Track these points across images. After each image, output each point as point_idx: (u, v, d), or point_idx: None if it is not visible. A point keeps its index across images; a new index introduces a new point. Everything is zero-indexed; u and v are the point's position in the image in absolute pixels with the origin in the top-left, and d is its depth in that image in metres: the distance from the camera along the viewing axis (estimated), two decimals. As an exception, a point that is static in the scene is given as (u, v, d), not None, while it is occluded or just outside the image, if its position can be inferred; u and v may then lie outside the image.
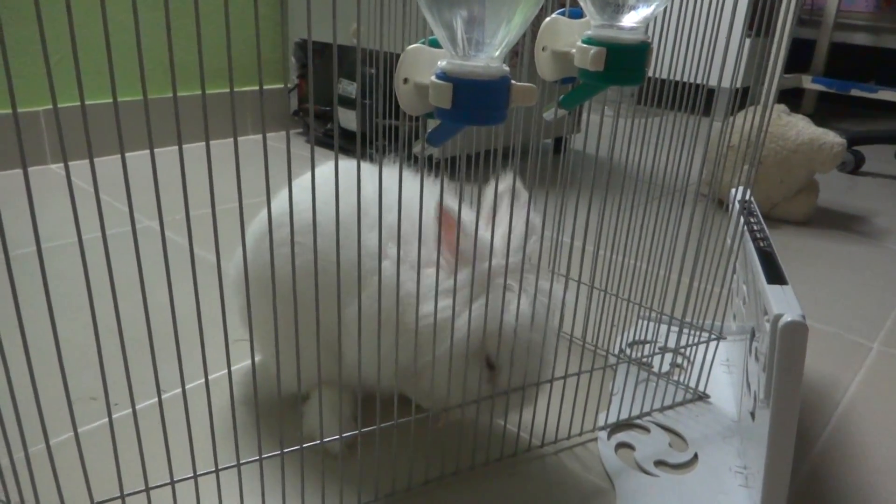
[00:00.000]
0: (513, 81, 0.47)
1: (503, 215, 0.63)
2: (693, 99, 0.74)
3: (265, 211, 0.55)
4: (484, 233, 0.63)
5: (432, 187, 0.66)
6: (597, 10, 0.52)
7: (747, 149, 0.86)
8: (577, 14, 0.57)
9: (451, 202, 0.59)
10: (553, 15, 0.57)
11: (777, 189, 1.52)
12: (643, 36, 0.53)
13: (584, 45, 0.52)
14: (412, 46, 0.49)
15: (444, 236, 0.61)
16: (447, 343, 0.61)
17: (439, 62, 0.47)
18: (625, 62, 0.52)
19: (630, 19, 0.51)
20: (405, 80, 0.49)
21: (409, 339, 0.62)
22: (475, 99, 0.45)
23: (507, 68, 0.47)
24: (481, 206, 0.66)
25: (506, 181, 0.63)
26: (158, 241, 0.46)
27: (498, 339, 0.62)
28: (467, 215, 0.60)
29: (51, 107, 1.61)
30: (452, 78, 0.45)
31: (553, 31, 0.57)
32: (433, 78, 0.46)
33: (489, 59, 0.46)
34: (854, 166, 2.03)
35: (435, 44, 0.49)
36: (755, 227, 0.80)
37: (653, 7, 0.51)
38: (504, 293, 0.62)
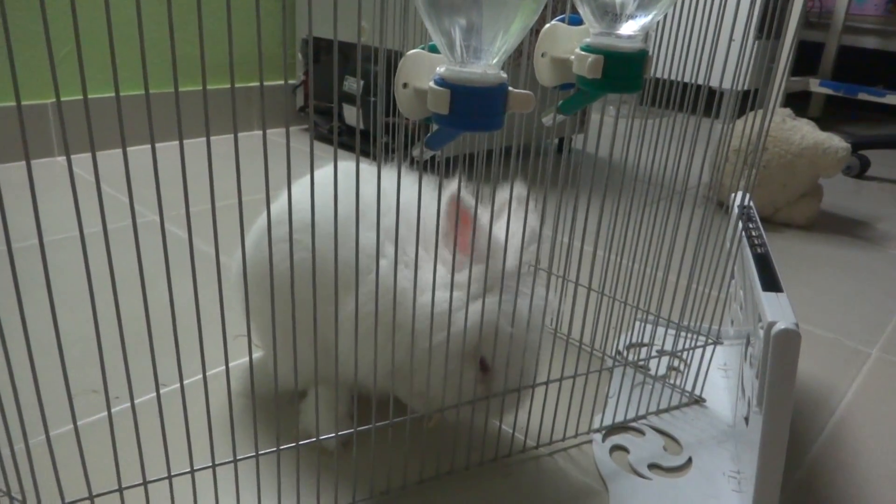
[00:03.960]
0: (510, 88, 0.47)
1: (510, 220, 0.63)
2: (695, 100, 0.74)
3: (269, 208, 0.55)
4: (498, 232, 0.63)
5: (432, 190, 0.67)
6: (595, 18, 0.52)
7: (747, 153, 0.86)
8: (576, 21, 0.58)
9: (468, 197, 0.59)
10: (553, 21, 0.58)
11: (781, 193, 1.52)
12: (641, 44, 0.53)
13: (583, 53, 0.53)
14: (412, 52, 0.50)
15: (454, 231, 0.60)
16: (443, 335, 0.61)
17: (438, 68, 0.47)
18: (622, 70, 0.52)
19: (628, 28, 0.52)
20: (405, 85, 0.50)
21: (403, 337, 0.62)
22: (472, 105, 0.46)
23: (504, 75, 0.47)
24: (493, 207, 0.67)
25: (517, 188, 0.63)
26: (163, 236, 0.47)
27: (494, 343, 0.62)
28: (481, 213, 0.60)
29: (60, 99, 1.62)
30: (450, 84, 0.46)
31: (552, 37, 0.57)
32: (431, 84, 0.46)
33: (487, 65, 0.46)
34: (859, 170, 2.02)
35: (434, 49, 0.50)
36: (753, 234, 0.80)
37: (651, 16, 0.51)
38: (501, 296, 0.62)
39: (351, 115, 1.77)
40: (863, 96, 2.53)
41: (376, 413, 0.63)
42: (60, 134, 1.60)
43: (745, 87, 0.63)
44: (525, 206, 0.62)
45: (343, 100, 1.75)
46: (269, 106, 2.06)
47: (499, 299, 0.62)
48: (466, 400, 0.65)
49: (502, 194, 0.64)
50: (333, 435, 0.65)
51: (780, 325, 0.58)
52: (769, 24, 0.70)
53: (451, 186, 0.58)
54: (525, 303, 0.63)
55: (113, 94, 1.60)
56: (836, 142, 1.48)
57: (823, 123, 1.59)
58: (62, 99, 0.43)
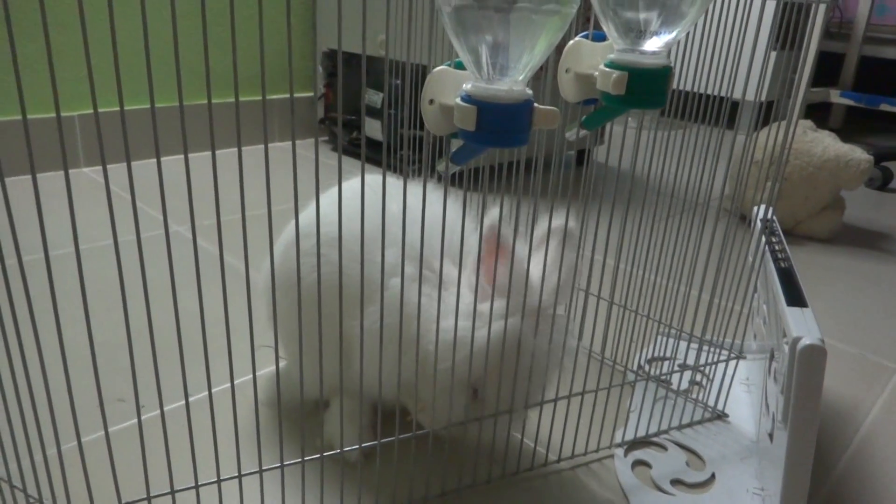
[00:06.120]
0: (536, 104, 0.48)
1: (548, 251, 0.63)
2: (717, 112, 0.75)
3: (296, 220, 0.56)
4: (533, 268, 0.63)
5: (457, 206, 0.67)
6: (619, 35, 0.53)
7: (770, 165, 0.86)
8: (600, 37, 0.58)
9: (507, 229, 0.59)
10: (577, 38, 0.58)
11: (802, 206, 1.51)
12: (665, 60, 0.53)
13: (607, 69, 0.53)
14: (438, 68, 0.50)
15: (488, 261, 0.60)
16: (446, 364, 0.61)
17: (464, 84, 0.48)
18: (646, 86, 0.53)
19: (652, 44, 0.52)
20: (431, 101, 0.51)
21: (408, 352, 0.62)
22: (498, 121, 0.46)
23: (530, 91, 0.48)
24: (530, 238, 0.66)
25: (558, 218, 0.63)
26: (189, 247, 0.48)
27: (485, 371, 0.62)
28: (519, 247, 0.60)
29: (85, 112, 1.65)
30: (476, 101, 0.46)
31: (576, 53, 0.58)
32: (458, 100, 0.47)
33: (513, 82, 0.47)
34: (882, 183, 2.00)
35: (461, 66, 0.50)
36: (777, 247, 0.80)
37: (675, 33, 0.51)
38: (530, 322, 0.62)
39: (370, 127, 1.78)
40: (885, 107, 2.50)
41: (399, 424, 0.63)
42: (85, 146, 1.64)
43: (766, 99, 0.64)
44: (571, 241, 0.63)
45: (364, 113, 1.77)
46: (288, 118, 2.09)
47: (501, 326, 0.61)
48: (459, 419, 0.65)
49: (543, 224, 0.64)
50: (357, 447, 0.65)
51: (805, 341, 0.58)
52: (791, 35, 0.70)
53: (493, 214, 0.58)
54: (516, 330, 0.62)
55: (136, 107, 1.64)
56: (858, 154, 1.46)
57: (844, 135, 1.58)
58: (89, 111, 0.44)
